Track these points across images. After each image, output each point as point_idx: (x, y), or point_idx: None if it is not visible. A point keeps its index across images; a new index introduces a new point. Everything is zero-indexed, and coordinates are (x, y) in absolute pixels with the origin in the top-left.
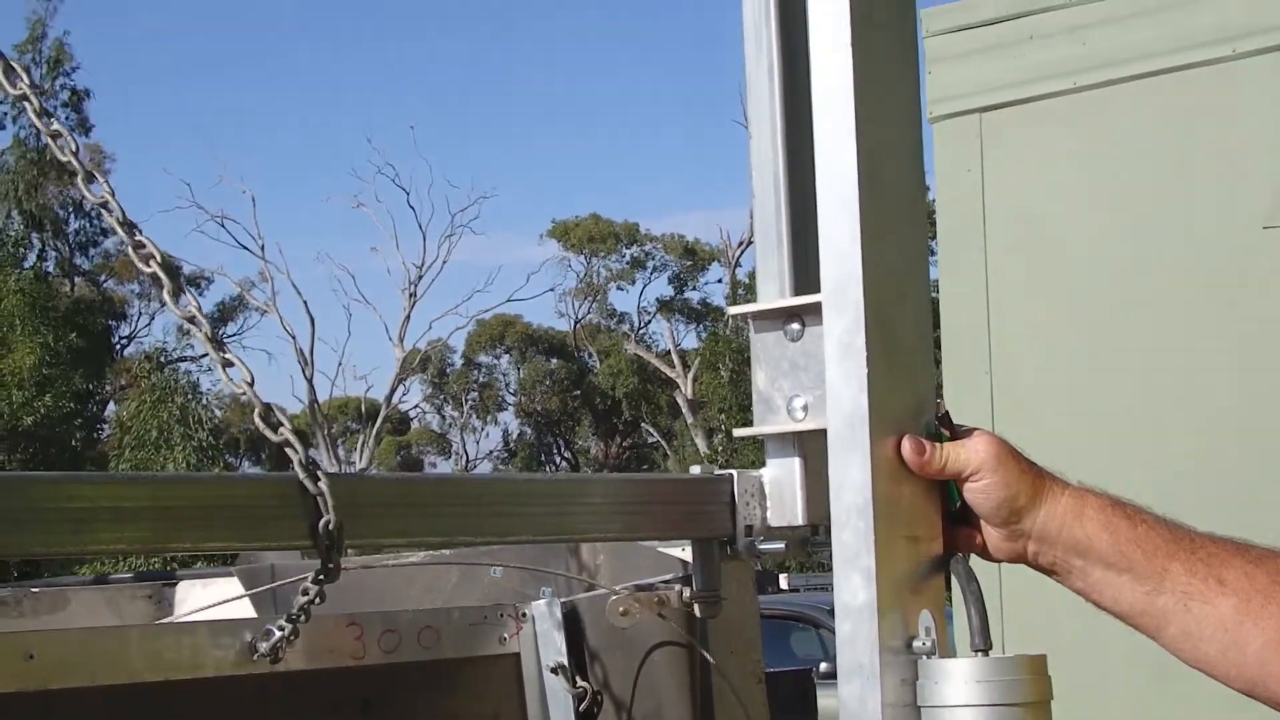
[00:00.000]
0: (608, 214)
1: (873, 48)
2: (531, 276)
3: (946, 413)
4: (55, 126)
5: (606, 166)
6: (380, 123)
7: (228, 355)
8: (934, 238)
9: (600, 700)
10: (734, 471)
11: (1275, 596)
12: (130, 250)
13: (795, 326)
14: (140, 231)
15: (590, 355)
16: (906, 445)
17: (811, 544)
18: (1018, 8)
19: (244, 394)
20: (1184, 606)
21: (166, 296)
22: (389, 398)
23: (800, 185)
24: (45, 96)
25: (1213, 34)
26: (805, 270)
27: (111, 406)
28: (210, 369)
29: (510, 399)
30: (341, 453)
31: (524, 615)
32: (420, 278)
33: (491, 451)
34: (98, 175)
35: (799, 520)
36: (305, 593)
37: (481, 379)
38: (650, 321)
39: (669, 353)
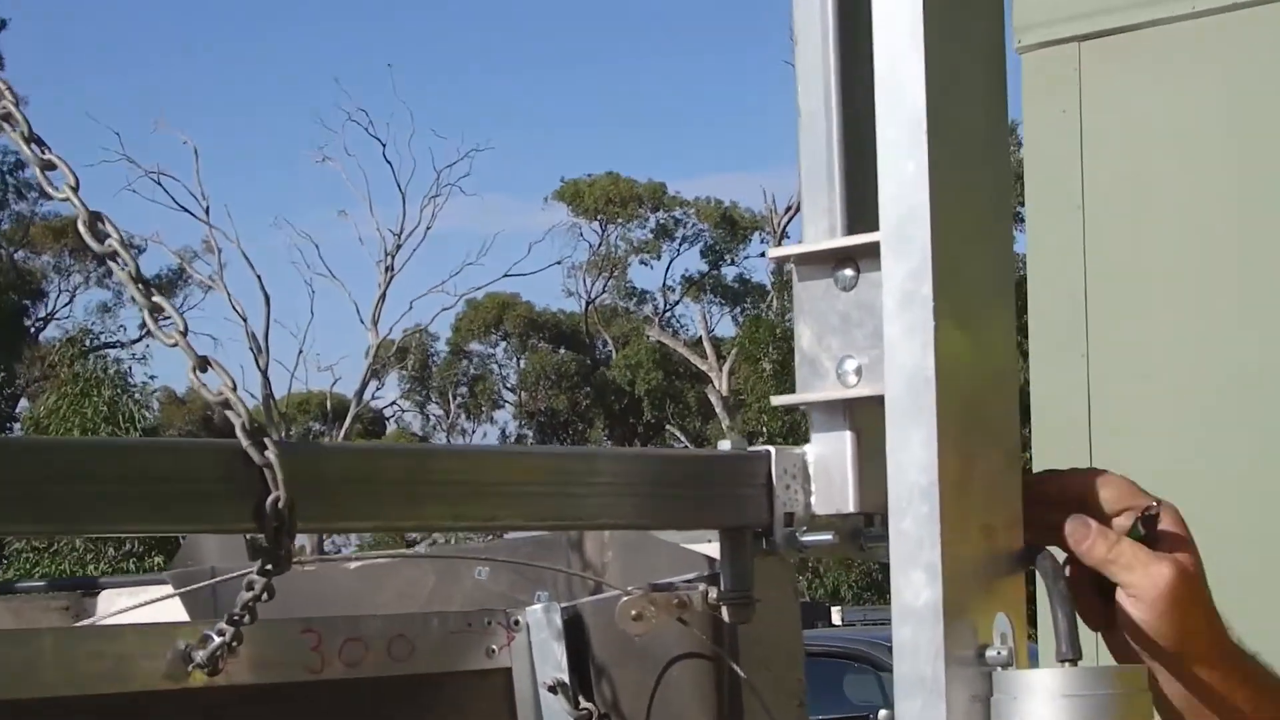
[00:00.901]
0: (628, 172)
1: None
2: (534, 247)
3: (1157, 513)
4: None
5: (627, 115)
6: (351, 59)
7: (156, 299)
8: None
9: None
10: (771, 448)
11: None
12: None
13: (848, 273)
14: (51, 149)
15: (605, 343)
16: (1072, 524)
17: (866, 536)
18: None
19: (175, 344)
20: None
21: (80, 226)
22: (360, 393)
23: (856, 104)
24: None
25: None
26: (861, 206)
27: (24, 403)
28: (145, 357)
29: (508, 395)
30: None
31: (516, 623)
32: (399, 248)
33: None
34: None
35: (850, 507)
36: (250, 587)
37: (473, 371)
38: (678, 303)
39: (700, 341)
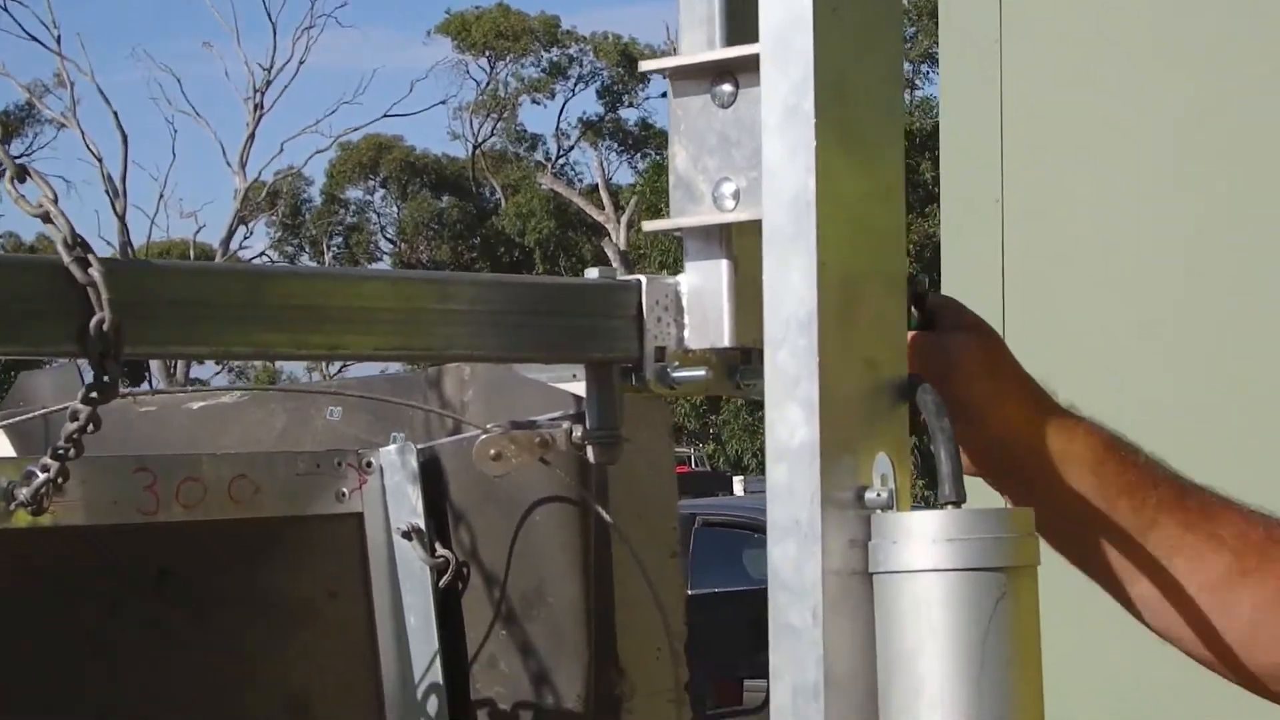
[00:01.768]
0: (519, 4)
1: None
2: (417, 85)
3: (924, 291)
4: None
5: None
6: None
7: None
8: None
9: (466, 573)
10: (643, 277)
11: (1271, 554)
12: None
13: (726, 88)
14: None
15: (493, 191)
16: None
17: (742, 373)
18: None
19: None
20: (1167, 562)
21: None
22: (226, 242)
23: None
24: None
25: None
26: (742, 15)
27: None
28: None
29: (387, 246)
30: None
31: (369, 465)
32: (269, 84)
33: None
34: None
35: (725, 340)
36: (74, 417)
37: (349, 219)
38: (573, 148)
39: (596, 189)
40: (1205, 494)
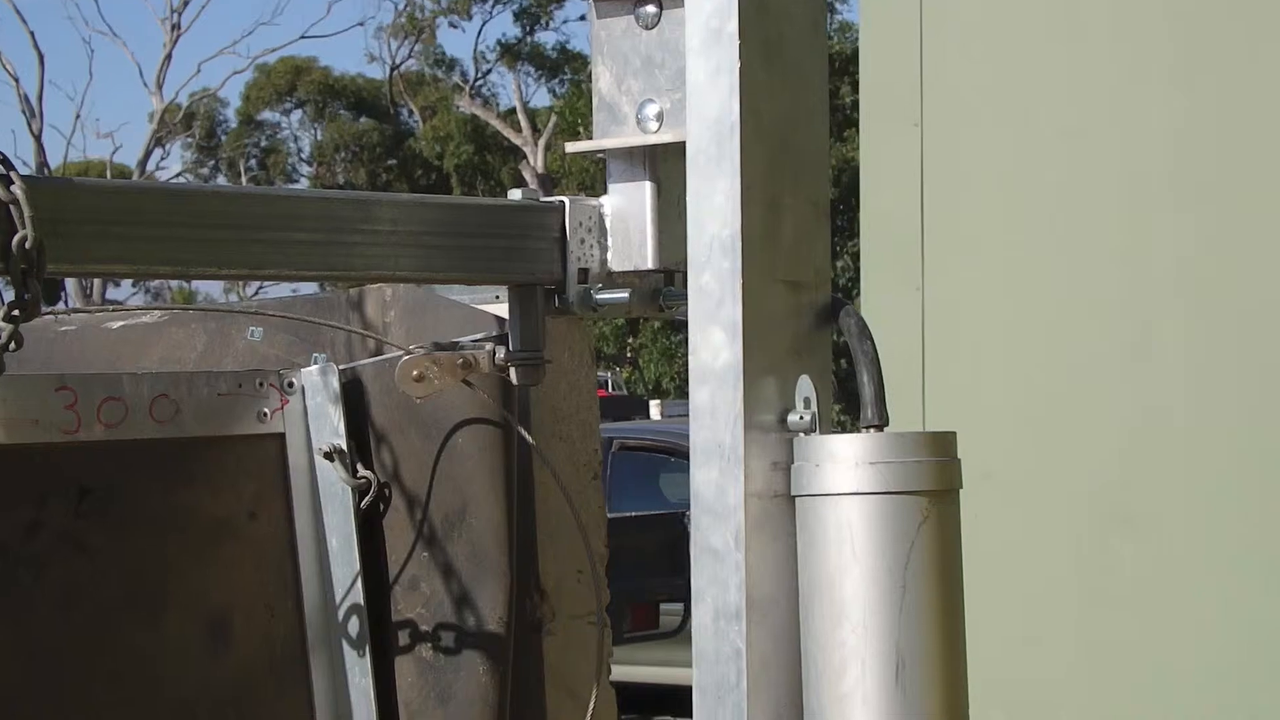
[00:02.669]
0: None
1: None
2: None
3: None
4: None
5: None
6: None
7: None
8: None
9: (388, 494)
10: (566, 198)
11: None
12: None
13: (650, 9)
14: None
15: (411, 114)
16: None
17: (665, 295)
18: None
19: None
20: None
21: None
22: (143, 163)
23: None
24: None
25: None
26: None
27: None
28: None
29: (304, 168)
30: None
31: (290, 385)
32: (185, 4)
33: None
34: None
35: (648, 263)
36: None
37: (265, 141)
38: (490, 71)
39: (514, 112)
40: None
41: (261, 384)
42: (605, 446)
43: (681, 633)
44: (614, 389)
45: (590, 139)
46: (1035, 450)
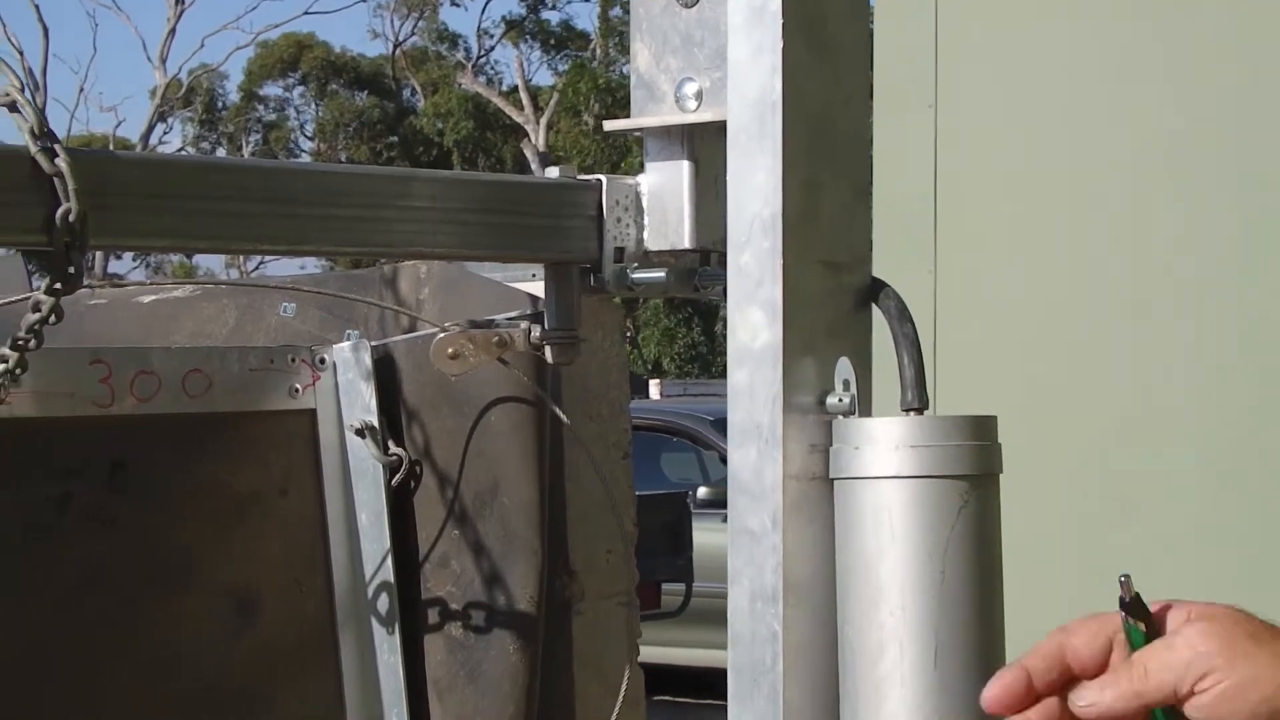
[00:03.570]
0: None
1: None
2: None
3: (1137, 595)
4: None
5: None
6: None
7: None
8: None
9: (419, 472)
10: (603, 177)
11: None
12: None
13: None
14: None
15: (413, 91)
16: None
17: (701, 275)
18: None
19: None
20: None
21: None
22: (145, 136)
23: None
24: None
25: None
26: None
27: None
28: None
29: (305, 143)
30: None
31: (322, 361)
32: None
33: None
34: None
35: (685, 242)
36: (36, 308)
37: (267, 117)
38: (494, 48)
39: (516, 90)
40: None
41: (293, 359)
42: None
43: (682, 612)
44: None
45: (592, 119)
46: (1041, 434)
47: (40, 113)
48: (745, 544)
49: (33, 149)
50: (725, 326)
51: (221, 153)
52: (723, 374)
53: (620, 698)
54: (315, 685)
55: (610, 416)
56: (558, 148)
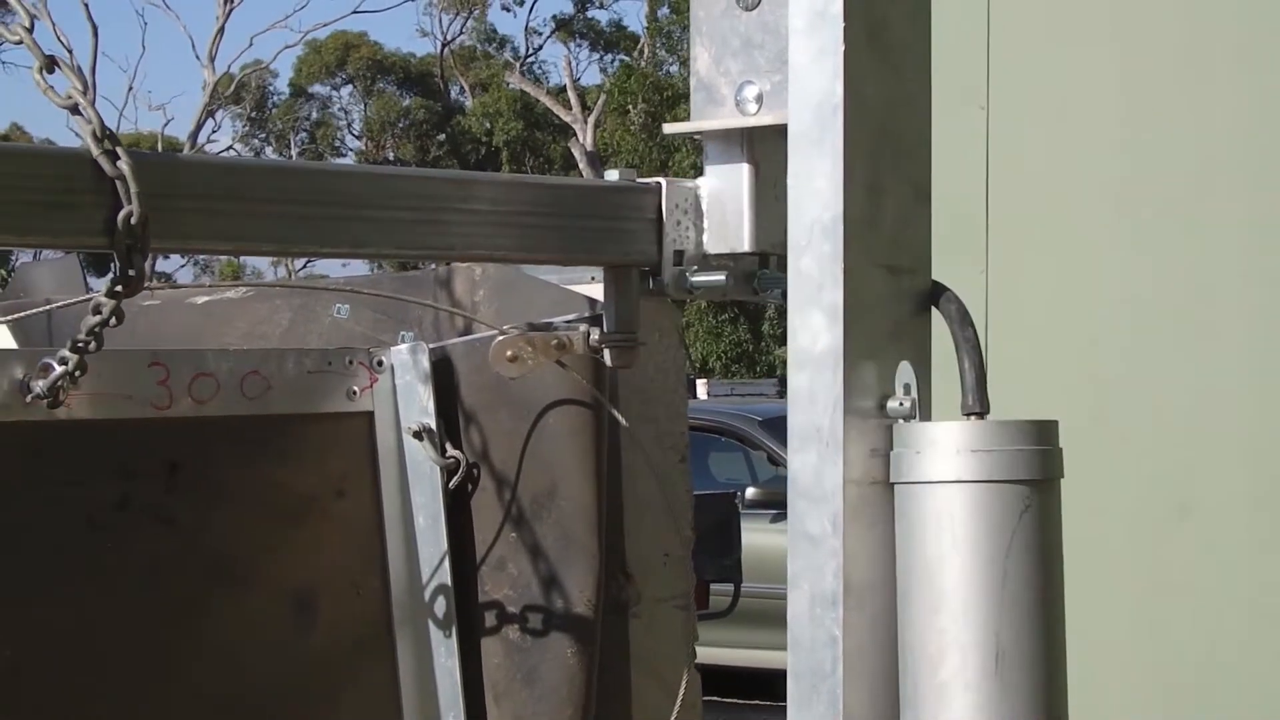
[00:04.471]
0: None
1: None
2: None
3: None
4: None
5: None
6: None
7: None
8: None
9: (477, 475)
10: (663, 180)
11: None
12: None
13: None
14: None
15: (461, 90)
16: None
17: (760, 279)
18: None
19: (19, 40)
20: None
21: None
22: (194, 135)
23: None
24: None
25: None
26: None
27: None
28: None
29: (353, 142)
30: None
31: (380, 363)
32: None
33: None
34: None
35: (745, 245)
36: (97, 310)
37: (315, 115)
38: (542, 47)
39: (565, 90)
40: None
41: (351, 362)
42: None
43: (730, 613)
44: None
45: (642, 119)
46: (1095, 437)
47: (101, 116)
48: (805, 548)
49: (95, 151)
50: (771, 325)
51: (270, 151)
52: (768, 373)
53: (678, 701)
54: (372, 686)
55: (667, 419)
56: (605, 146)
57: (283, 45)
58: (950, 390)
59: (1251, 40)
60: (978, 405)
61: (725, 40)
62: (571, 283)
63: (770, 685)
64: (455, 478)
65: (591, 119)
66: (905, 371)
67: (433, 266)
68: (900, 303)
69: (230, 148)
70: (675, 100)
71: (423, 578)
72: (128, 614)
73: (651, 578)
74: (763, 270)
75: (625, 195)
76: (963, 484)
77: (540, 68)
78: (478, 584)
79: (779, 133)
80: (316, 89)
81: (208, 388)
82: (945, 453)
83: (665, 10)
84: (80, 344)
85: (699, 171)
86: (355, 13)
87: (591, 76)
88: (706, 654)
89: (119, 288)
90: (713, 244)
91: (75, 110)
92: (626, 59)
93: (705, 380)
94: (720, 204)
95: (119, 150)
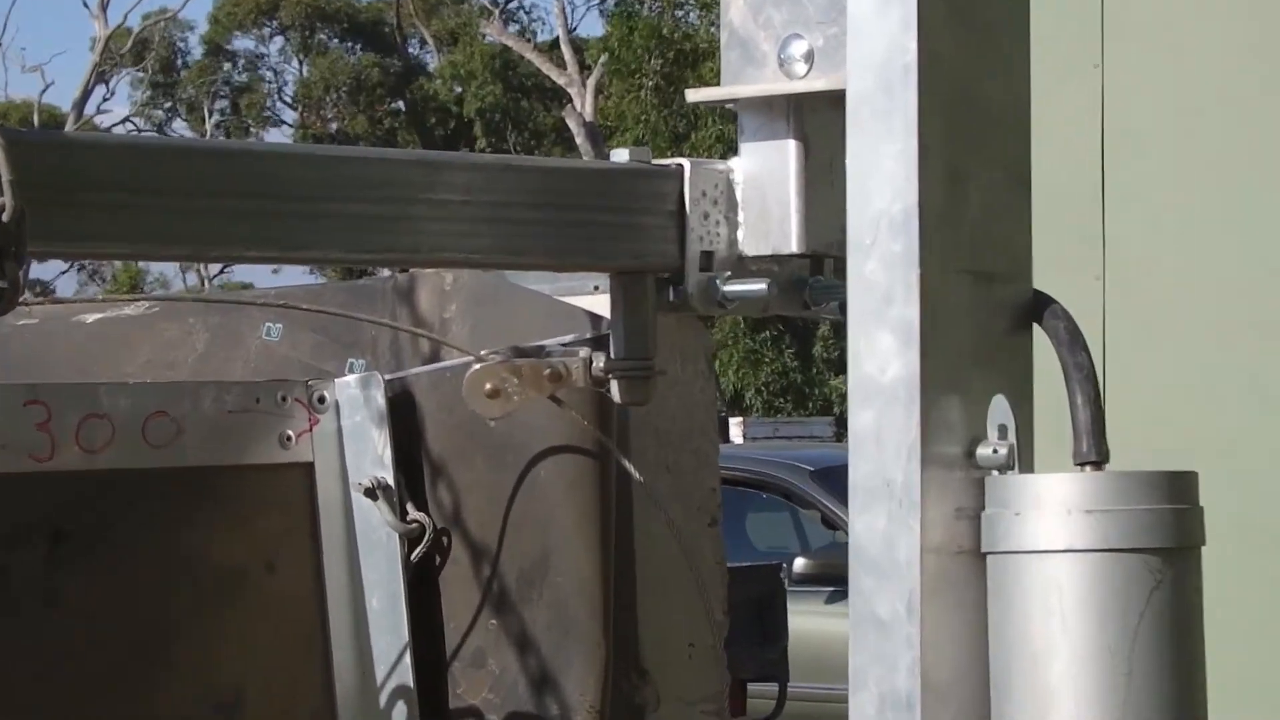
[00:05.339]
0: None
1: None
2: None
3: None
4: None
5: None
6: None
7: None
8: None
9: (447, 543)
10: (686, 161)
11: None
12: None
13: None
14: None
15: (423, 44)
16: None
17: (812, 288)
18: None
19: None
20: None
21: None
22: (80, 104)
23: None
24: None
25: None
26: None
27: None
28: None
29: (288, 111)
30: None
31: (322, 400)
32: None
33: None
34: None
35: (792, 245)
36: None
37: (238, 78)
38: None
39: (557, 44)
40: None
41: (284, 398)
42: None
43: None
44: None
45: (650, 85)
46: (1233, 484)
47: None
48: (873, 636)
49: None
50: (825, 348)
51: (180, 126)
52: (822, 410)
53: None
54: None
55: (694, 470)
56: (608, 116)
57: None
58: (1058, 432)
59: None
60: (1094, 453)
61: None
62: (568, 294)
63: None
64: (419, 547)
65: (592, 82)
66: (1000, 408)
67: (390, 274)
68: (992, 318)
69: (127, 120)
70: (695, 56)
71: (377, 677)
72: (11, 715)
73: (673, 675)
74: (815, 277)
75: (637, 181)
76: (1076, 553)
77: (526, 15)
78: (449, 685)
79: (835, 101)
80: (239, 44)
81: (100, 433)
82: (1053, 513)
83: None
84: None
85: (731, 149)
86: None
87: (592, 26)
88: None
89: None
90: (750, 243)
91: None
92: (630, 4)
93: (741, 420)
94: (760, 192)
95: None
